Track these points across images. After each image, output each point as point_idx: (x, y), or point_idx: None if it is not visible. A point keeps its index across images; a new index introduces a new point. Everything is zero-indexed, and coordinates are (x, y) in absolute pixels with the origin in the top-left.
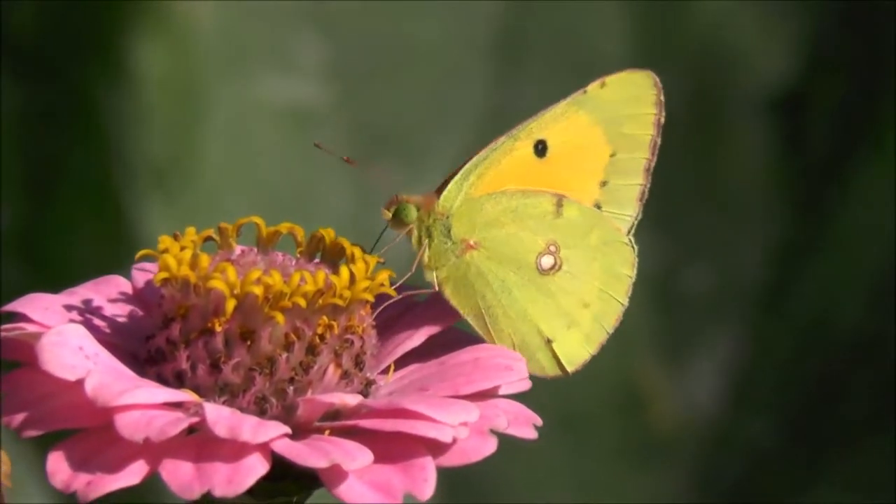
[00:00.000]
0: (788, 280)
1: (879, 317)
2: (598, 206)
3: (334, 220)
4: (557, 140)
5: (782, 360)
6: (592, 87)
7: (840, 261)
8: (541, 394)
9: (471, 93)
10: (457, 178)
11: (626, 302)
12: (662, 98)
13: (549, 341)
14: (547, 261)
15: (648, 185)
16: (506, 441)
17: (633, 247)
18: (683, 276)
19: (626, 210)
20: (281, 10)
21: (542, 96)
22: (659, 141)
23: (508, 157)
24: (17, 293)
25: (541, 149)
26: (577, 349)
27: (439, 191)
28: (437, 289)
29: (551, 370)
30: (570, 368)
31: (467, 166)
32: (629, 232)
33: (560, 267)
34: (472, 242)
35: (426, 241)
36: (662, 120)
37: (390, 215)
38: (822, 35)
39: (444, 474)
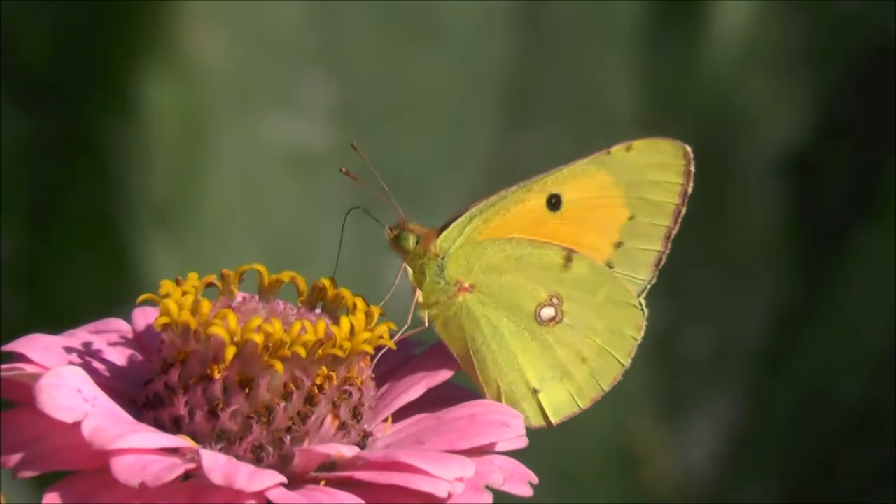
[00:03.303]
0: (790, 345)
1: (881, 386)
2: (610, 266)
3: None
4: (573, 196)
5: (781, 425)
6: (617, 148)
7: (843, 328)
8: (536, 450)
9: (477, 140)
10: (460, 220)
11: (627, 363)
12: (692, 168)
13: (535, 391)
14: (547, 312)
15: (667, 253)
16: (502, 498)
17: (642, 310)
18: (685, 337)
19: (640, 274)
20: (290, 50)
21: (548, 148)
22: (683, 210)
23: (518, 206)
24: (17, 326)
25: (554, 202)
26: (565, 401)
27: (442, 230)
28: (426, 325)
29: (535, 420)
30: (554, 420)
31: (472, 210)
32: (640, 295)
33: (561, 320)
34: (466, 285)
35: (418, 282)
36: (690, 190)
37: (391, 236)
38: (831, 100)
39: None
